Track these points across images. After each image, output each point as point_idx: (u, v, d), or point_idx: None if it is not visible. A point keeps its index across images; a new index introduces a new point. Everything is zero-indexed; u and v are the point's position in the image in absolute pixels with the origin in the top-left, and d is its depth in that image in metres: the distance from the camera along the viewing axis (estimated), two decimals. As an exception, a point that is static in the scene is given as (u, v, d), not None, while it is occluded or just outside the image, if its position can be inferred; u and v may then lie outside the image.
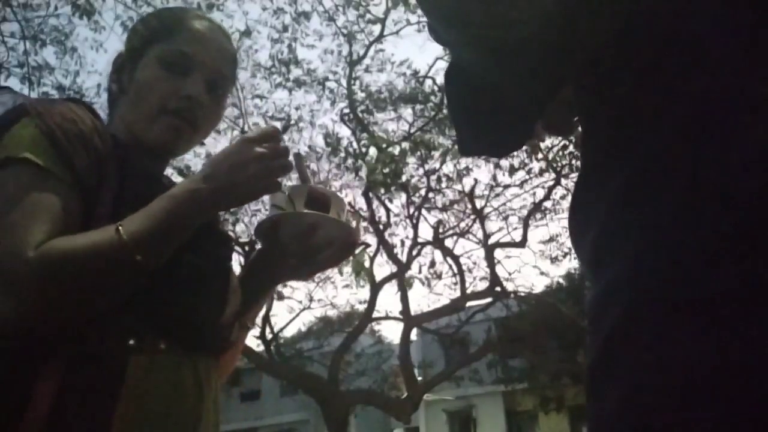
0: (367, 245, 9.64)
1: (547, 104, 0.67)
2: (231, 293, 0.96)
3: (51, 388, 0.74)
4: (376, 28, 9.49)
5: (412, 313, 10.38)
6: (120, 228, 0.76)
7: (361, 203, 9.90)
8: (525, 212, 10.48)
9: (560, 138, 8.38)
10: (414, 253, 10.40)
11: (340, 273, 9.05)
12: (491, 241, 10.54)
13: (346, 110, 9.85)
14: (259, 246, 1.08)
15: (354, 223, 0.97)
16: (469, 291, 10.57)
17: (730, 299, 0.43)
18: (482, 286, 10.83)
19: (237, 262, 7.41)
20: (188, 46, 0.95)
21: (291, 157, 0.87)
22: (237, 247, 7.47)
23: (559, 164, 9.31)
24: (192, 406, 0.84)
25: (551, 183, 9.89)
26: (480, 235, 10.63)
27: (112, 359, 0.79)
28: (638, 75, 0.55)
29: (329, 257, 0.97)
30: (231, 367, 1.06)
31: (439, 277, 11.22)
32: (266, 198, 0.92)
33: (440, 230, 10.47)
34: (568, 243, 11.71)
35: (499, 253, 11.14)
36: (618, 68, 0.57)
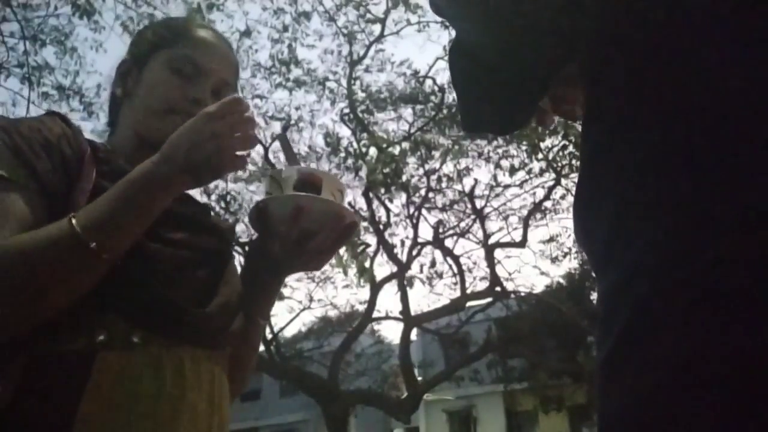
0: (367, 245, 9.64)
1: (551, 79, 0.66)
2: (223, 284, 0.94)
3: (8, 388, 0.73)
4: (376, 28, 9.50)
5: (412, 313, 10.38)
6: (72, 218, 0.75)
7: (361, 203, 9.91)
8: (525, 212, 10.49)
9: (560, 139, 8.38)
10: (414, 253, 10.40)
11: (345, 273, 9.02)
12: (491, 241, 10.55)
13: (346, 110, 9.86)
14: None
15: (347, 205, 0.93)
16: (469, 291, 10.56)
17: (742, 295, 0.43)
18: (482, 286, 10.83)
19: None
20: (196, 52, 0.97)
21: (255, 128, 0.83)
22: (238, 247, 7.46)
23: (559, 164, 9.31)
24: (172, 404, 0.80)
25: (551, 183, 9.89)
26: (480, 235, 10.63)
27: (78, 356, 0.76)
28: (646, 55, 0.54)
29: (323, 241, 0.92)
30: (246, 363, 1.03)
31: (439, 276, 11.22)
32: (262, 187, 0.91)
33: (440, 230, 10.47)
34: (569, 243, 11.71)
35: (499, 253, 11.16)
36: (624, 48, 0.56)
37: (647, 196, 0.51)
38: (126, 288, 0.80)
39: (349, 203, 10.27)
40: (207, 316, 0.89)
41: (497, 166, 9.88)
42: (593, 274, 0.61)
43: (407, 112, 9.95)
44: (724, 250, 0.45)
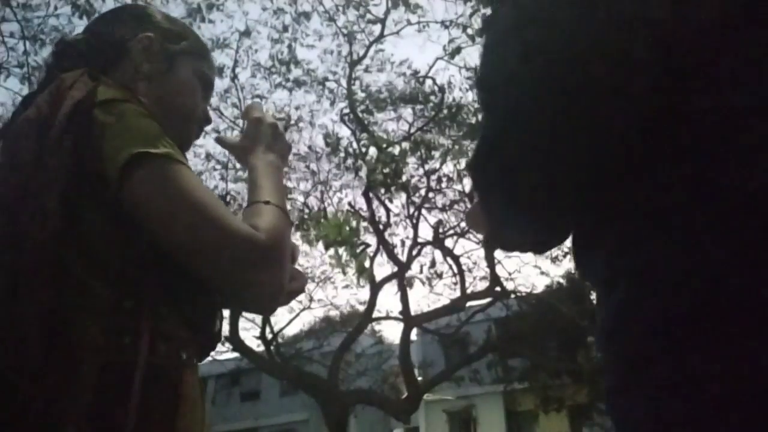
0: (367, 245, 9.65)
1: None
2: None
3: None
4: (376, 28, 9.50)
5: (412, 313, 10.38)
6: (268, 203, 0.89)
7: (361, 203, 9.91)
8: (525, 212, 10.46)
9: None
10: (414, 253, 10.40)
11: (344, 273, 9.03)
12: (491, 241, 10.52)
13: (346, 110, 9.86)
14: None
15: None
16: (469, 291, 10.56)
17: (743, 316, 0.43)
18: (482, 286, 10.83)
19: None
20: (211, 72, 1.09)
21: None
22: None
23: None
24: (202, 406, 0.86)
25: (551, 183, 9.87)
26: (480, 235, 10.61)
27: (172, 372, 0.80)
28: None
29: None
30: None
31: (439, 276, 11.22)
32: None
33: (440, 230, 10.47)
34: (568, 242, 11.64)
35: (499, 253, 11.14)
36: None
37: (645, 229, 0.51)
38: (200, 312, 0.87)
39: (350, 203, 10.28)
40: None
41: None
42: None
43: (407, 112, 9.97)
44: (722, 271, 0.45)
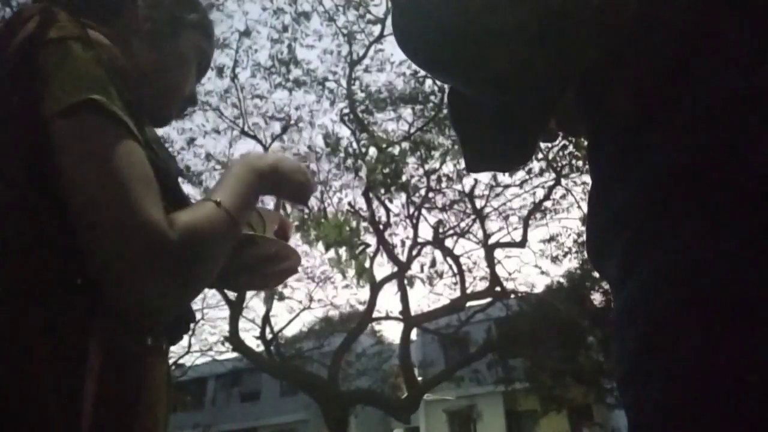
0: (367, 245, 9.64)
1: (552, 111, 0.66)
2: None
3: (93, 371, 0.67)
4: (376, 29, 9.50)
5: (412, 313, 10.38)
6: (218, 200, 0.76)
7: (361, 203, 9.91)
8: (525, 212, 10.49)
9: (560, 139, 8.37)
10: (414, 253, 10.40)
11: (344, 275, 9.03)
12: (491, 241, 10.55)
13: (346, 110, 9.86)
14: None
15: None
16: (469, 291, 10.56)
17: (756, 306, 0.43)
18: (482, 286, 10.84)
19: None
20: (210, 58, 1.04)
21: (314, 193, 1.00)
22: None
23: (559, 164, 9.31)
24: (167, 396, 0.82)
25: (551, 183, 9.90)
26: (480, 235, 10.63)
27: (136, 358, 0.74)
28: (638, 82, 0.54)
29: (271, 274, 1.01)
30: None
31: (439, 276, 11.22)
32: None
33: (440, 230, 10.47)
34: (569, 242, 11.71)
35: (499, 253, 11.16)
36: (617, 76, 0.57)
37: (659, 221, 0.51)
38: None
39: (350, 203, 10.27)
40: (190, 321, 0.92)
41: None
42: (595, 275, 0.61)
43: (407, 112, 9.96)
44: (734, 262, 0.45)
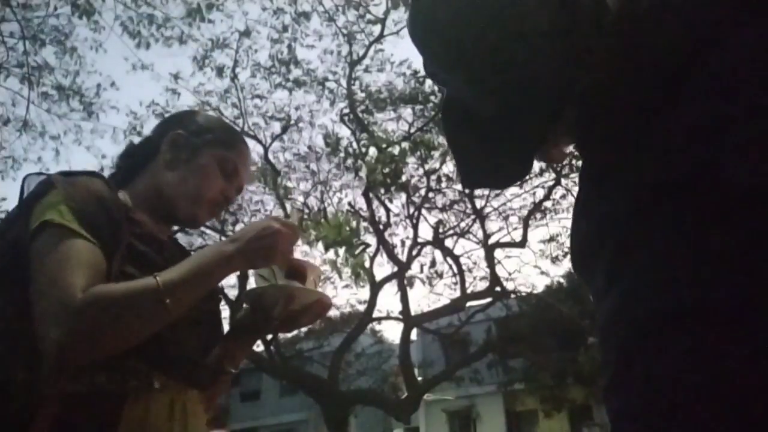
0: (367, 245, 9.64)
1: (548, 131, 0.67)
2: (217, 338, 1.15)
3: (46, 423, 0.84)
4: (376, 29, 9.50)
5: (412, 313, 10.38)
6: (157, 276, 0.90)
7: (361, 203, 9.91)
8: (525, 212, 10.49)
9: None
10: (414, 253, 10.40)
11: (340, 276, 9.02)
12: (491, 241, 10.55)
13: (346, 110, 9.86)
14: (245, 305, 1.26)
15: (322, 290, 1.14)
16: (469, 291, 10.56)
17: (731, 313, 0.43)
18: (482, 286, 10.83)
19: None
20: (238, 160, 1.21)
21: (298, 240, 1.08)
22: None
23: (559, 164, 9.30)
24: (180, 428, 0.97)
25: (551, 183, 9.89)
26: (480, 235, 10.63)
27: (111, 399, 0.90)
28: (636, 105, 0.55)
29: (305, 319, 1.16)
30: (216, 400, 1.22)
31: (439, 276, 11.22)
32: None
33: (440, 230, 10.47)
34: (569, 242, 11.64)
35: (499, 253, 11.15)
36: (616, 95, 0.57)
37: (641, 233, 0.52)
38: (152, 341, 0.93)
39: (350, 203, 10.28)
40: (207, 366, 1.09)
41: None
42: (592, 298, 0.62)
43: (407, 112, 9.96)
44: (719, 274, 0.45)
